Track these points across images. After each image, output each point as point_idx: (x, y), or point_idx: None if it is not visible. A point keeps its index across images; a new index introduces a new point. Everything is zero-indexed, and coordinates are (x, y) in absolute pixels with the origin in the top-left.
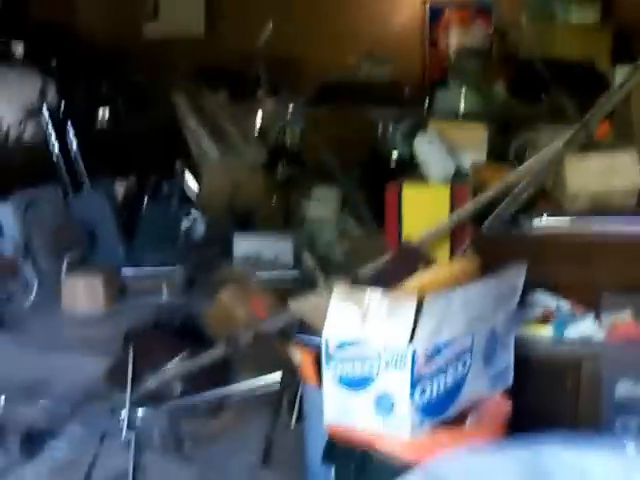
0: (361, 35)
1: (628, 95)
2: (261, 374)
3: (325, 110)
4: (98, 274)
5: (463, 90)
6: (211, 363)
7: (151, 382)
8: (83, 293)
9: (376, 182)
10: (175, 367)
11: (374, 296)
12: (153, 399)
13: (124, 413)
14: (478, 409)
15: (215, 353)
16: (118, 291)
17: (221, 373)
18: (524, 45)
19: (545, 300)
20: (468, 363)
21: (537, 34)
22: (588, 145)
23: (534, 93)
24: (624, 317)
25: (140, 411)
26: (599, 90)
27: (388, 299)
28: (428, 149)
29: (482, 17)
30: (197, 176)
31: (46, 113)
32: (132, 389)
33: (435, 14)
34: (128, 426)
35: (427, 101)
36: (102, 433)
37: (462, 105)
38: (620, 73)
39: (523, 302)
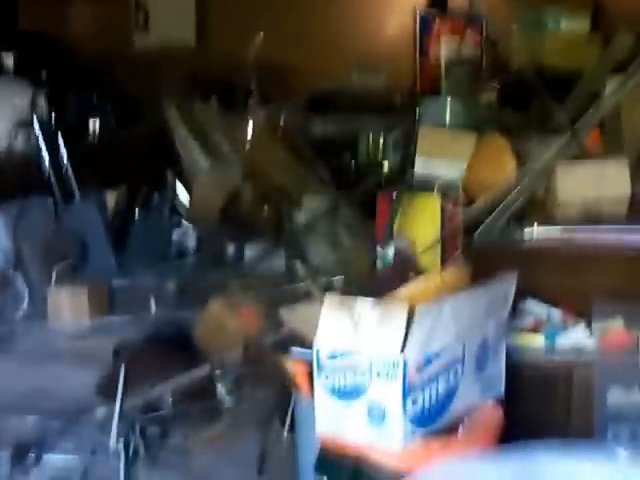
0: (352, 44)
1: (618, 104)
2: (254, 387)
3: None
4: (83, 286)
5: (453, 100)
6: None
7: (141, 397)
8: (68, 305)
9: (367, 191)
10: (164, 384)
11: (365, 306)
12: (143, 411)
13: (114, 425)
14: (470, 418)
15: (201, 372)
16: (108, 303)
17: (209, 386)
18: (515, 55)
19: (536, 309)
20: (459, 372)
21: (527, 44)
22: (578, 154)
23: (524, 102)
24: (615, 325)
25: (130, 423)
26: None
27: (379, 309)
28: None
29: (473, 27)
30: (188, 187)
31: (37, 124)
32: (122, 402)
33: (426, 24)
34: (118, 438)
35: (418, 111)
36: (93, 446)
37: (452, 114)
38: (610, 83)
39: (514, 311)
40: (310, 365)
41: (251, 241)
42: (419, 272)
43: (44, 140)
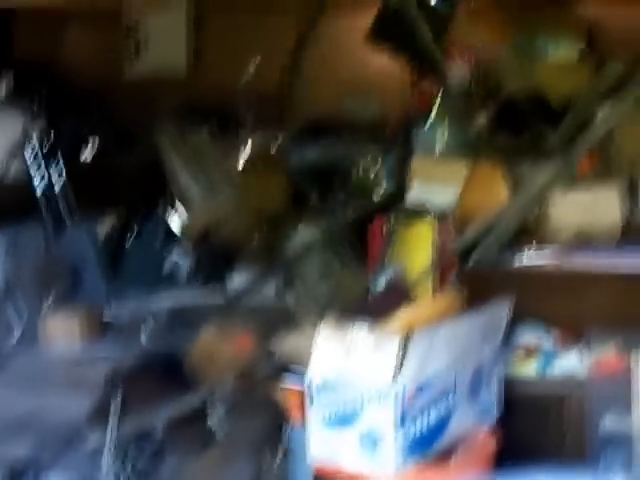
0: (347, 71)
1: (610, 130)
2: (247, 414)
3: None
4: (76, 311)
5: (446, 125)
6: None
7: (134, 424)
8: (60, 331)
9: (360, 217)
10: (157, 411)
11: (359, 333)
12: (136, 438)
13: (106, 452)
14: (464, 444)
15: (194, 400)
16: (101, 329)
17: (202, 414)
18: (507, 80)
19: (530, 333)
20: (453, 399)
21: (519, 69)
22: (571, 180)
23: (517, 128)
24: (608, 351)
25: (123, 450)
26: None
27: (373, 336)
28: None
29: (464, 52)
30: (181, 213)
31: (30, 151)
32: (115, 429)
33: None
34: (110, 465)
35: (411, 137)
36: (85, 472)
37: (444, 141)
38: (602, 108)
39: (508, 336)
40: (303, 392)
41: (237, 268)
42: (412, 298)
43: (37, 166)
